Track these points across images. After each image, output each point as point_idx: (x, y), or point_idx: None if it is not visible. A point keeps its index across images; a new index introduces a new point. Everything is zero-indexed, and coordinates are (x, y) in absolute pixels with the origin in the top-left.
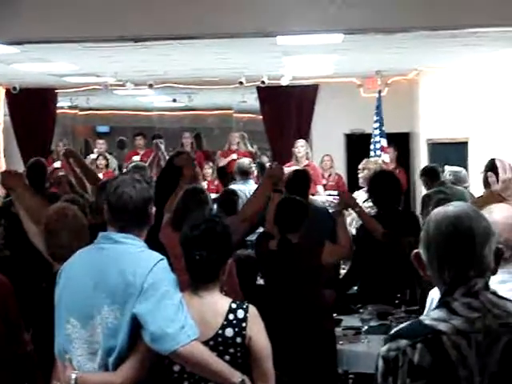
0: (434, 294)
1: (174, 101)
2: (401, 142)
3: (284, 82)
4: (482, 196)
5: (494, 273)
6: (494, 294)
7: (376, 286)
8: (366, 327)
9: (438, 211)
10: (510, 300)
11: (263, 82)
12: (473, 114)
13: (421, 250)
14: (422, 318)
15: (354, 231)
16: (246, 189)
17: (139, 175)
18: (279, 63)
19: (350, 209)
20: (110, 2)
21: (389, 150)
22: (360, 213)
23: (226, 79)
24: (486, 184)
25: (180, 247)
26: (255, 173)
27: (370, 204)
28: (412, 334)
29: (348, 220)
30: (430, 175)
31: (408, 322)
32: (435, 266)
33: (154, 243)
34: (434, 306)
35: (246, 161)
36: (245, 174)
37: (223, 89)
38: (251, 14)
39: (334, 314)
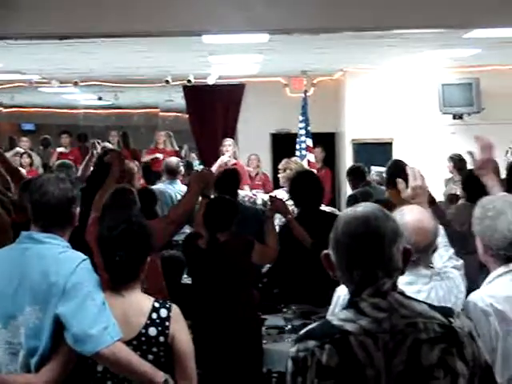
0: (341, 292)
1: (100, 99)
2: (326, 142)
3: (210, 81)
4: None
5: (402, 273)
6: (402, 294)
7: (299, 285)
8: (289, 326)
9: (347, 212)
10: (416, 300)
11: (189, 81)
12: (397, 114)
13: (330, 251)
14: (330, 318)
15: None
16: (172, 188)
17: (64, 174)
18: (205, 62)
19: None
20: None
21: (316, 150)
22: (290, 221)
23: (152, 78)
24: (389, 185)
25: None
26: (182, 172)
27: (291, 203)
28: (320, 335)
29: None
30: (356, 175)
31: (316, 323)
32: (344, 266)
33: (78, 243)
34: (340, 303)
35: (173, 160)
36: (172, 173)
37: (149, 87)
38: (176, 13)
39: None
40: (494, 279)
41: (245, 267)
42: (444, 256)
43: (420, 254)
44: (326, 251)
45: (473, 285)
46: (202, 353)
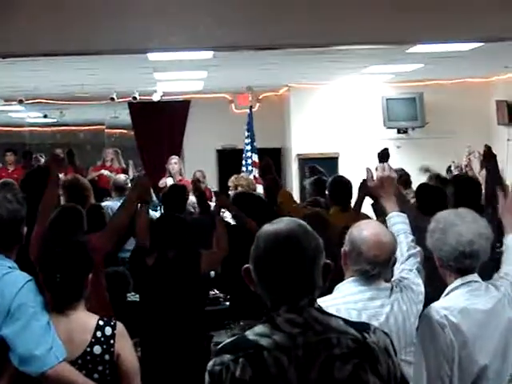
0: None
1: (45, 116)
2: (272, 157)
3: (155, 98)
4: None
5: (322, 288)
6: (319, 309)
7: (247, 301)
8: None
9: (268, 229)
10: (333, 316)
11: (135, 98)
12: (343, 129)
13: (250, 266)
14: (246, 333)
15: None
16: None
17: (11, 194)
18: (150, 79)
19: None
20: None
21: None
22: (236, 215)
23: (97, 95)
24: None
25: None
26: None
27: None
28: (235, 349)
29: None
30: (320, 187)
31: (233, 337)
32: (263, 281)
33: (24, 262)
34: None
35: (121, 177)
36: (120, 190)
37: (95, 104)
38: (121, 31)
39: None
40: (449, 292)
41: (193, 283)
42: (402, 243)
43: (380, 268)
44: (246, 265)
45: None
46: (149, 370)
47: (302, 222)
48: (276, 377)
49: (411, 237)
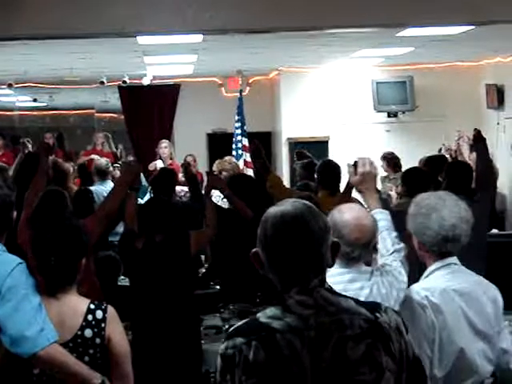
0: None
1: (35, 100)
2: (262, 141)
3: (145, 82)
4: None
5: (331, 266)
6: (329, 290)
7: (237, 285)
8: (226, 326)
9: (275, 211)
10: (343, 296)
11: (125, 82)
12: (333, 113)
13: (259, 250)
14: (258, 315)
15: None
16: (104, 189)
17: (1, 180)
18: (140, 63)
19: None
20: None
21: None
22: (229, 196)
23: (87, 79)
24: (320, 185)
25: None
26: (119, 173)
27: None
28: (247, 332)
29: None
30: (311, 170)
31: (245, 320)
32: (273, 264)
33: (14, 246)
34: None
35: (103, 161)
36: (102, 174)
37: (85, 88)
38: (110, 14)
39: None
40: (429, 274)
41: (182, 266)
42: (387, 239)
43: (360, 251)
44: (254, 250)
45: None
46: (140, 354)
47: (307, 202)
48: (289, 359)
49: (394, 233)
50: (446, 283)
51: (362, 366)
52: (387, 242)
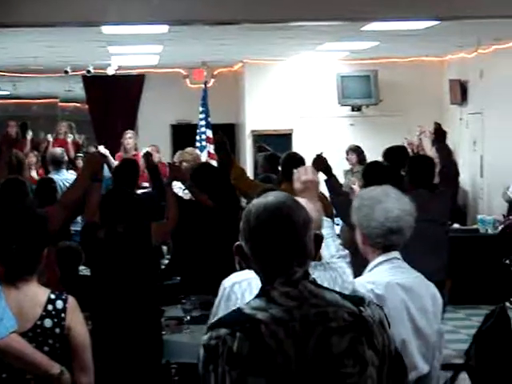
0: (226, 283)
1: None
2: (226, 133)
3: (110, 72)
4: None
5: (315, 258)
6: (313, 282)
7: (198, 276)
8: (188, 317)
9: (258, 202)
10: (328, 289)
11: (89, 72)
12: (297, 106)
13: (242, 242)
14: (241, 306)
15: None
16: (58, 178)
17: None
18: (105, 53)
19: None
20: None
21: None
22: (190, 187)
23: (51, 68)
24: (283, 177)
25: None
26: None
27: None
28: (232, 323)
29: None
30: (273, 163)
31: (229, 311)
32: (257, 256)
33: None
34: (225, 295)
35: (58, 150)
36: (57, 163)
37: (49, 77)
38: (76, 3)
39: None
40: (373, 268)
41: (144, 257)
42: (331, 246)
43: None
44: (237, 243)
45: None
46: (100, 344)
47: (288, 194)
48: (274, 350)
49: (338, 240)
50: (390, 277)
51: (346, 359)
52: (331, 249)
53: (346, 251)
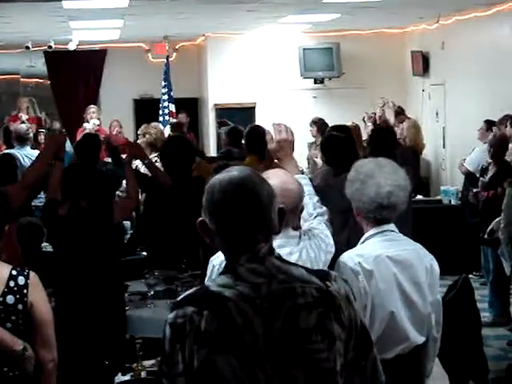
0: (215, 261)
1: None
2: (190, 107)
3: (71, 47)
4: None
5: (278, 233)
6: (279, 258)
7: (162, 251)
8: (152, 292)
9: (222, 177)
10: (294, 264)
11: (50, 47)
12: (260, 79)
13: (206, 218)
14: (208, 284)
15: None
16: (22, 153)
17: None
18: (66, 28)
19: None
20: None
21: (180, 116)
22: (149, 165)
23: (12, 43)
24: (247, 150)
25: None
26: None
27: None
28: (198, 301)
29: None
30: (235, 137)
31: (195, 289)
32: (222, 231)
33: None
34: (215, 272)
35: (23, 127)
36: (21, 139)
37: (9, 53)
38: None
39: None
40: (365, 240)
41: (107, 232)
42: (309, 204)
43: (288, 216)
44: (200, 218)
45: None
46: (64, 320)
47: (251, 169)
48: (242, 327)
49: (316, 197)
50: (381, 250)
51: (313, 335)
52: (309, 207)
53: (324, 208)
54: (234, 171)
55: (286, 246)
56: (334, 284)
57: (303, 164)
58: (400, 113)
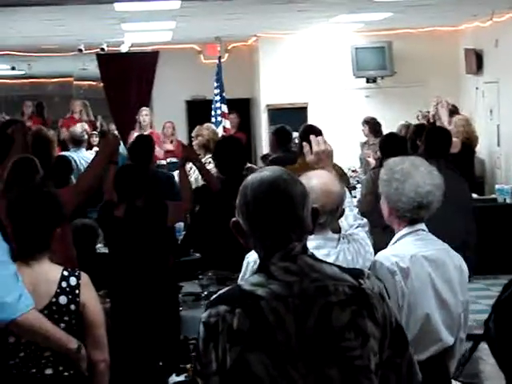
0: (251, 258)
1: (13, 69)
2: (241, 108)
3: (124, 49)
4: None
5: (312, 233)
6: (312, 256)
7: (215, 251)
8: (205, 293)
9: (254, 177)
10: (327, 263)
11: (103, 49)
12: (312, 79)
13: (239, 218)
14: (240, 283)
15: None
16: (77, 156)
17: None
18: (118, 30)
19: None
20: None
21: (231, 116)
22: (200, 167)
23: (65, 46)
24: (300, 150)
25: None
26: (97, 141)
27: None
28: (231, 300)
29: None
30: (281, 136)
31: (227, 288)
32: (256, 232)
33: None
34: (249, 269)
35: (78, 129)
36: (77, 142)
37: (63, 56)
38: None
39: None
40: (398, 240)
41: (162, 233)
42: (349, 216)
43: (327, 217)
44: (234, 219)
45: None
46: (119, 321)
47: (283, 168)
48: (274, 326)
49: (356, 209)
50: (416, 249)
51: (346, 333)
52: (349, 218)
53: (365, 220)
54: (266, 171)
55: (324, 247)
56: (367, 282)
57: (356, 163)
58: (454, 111)
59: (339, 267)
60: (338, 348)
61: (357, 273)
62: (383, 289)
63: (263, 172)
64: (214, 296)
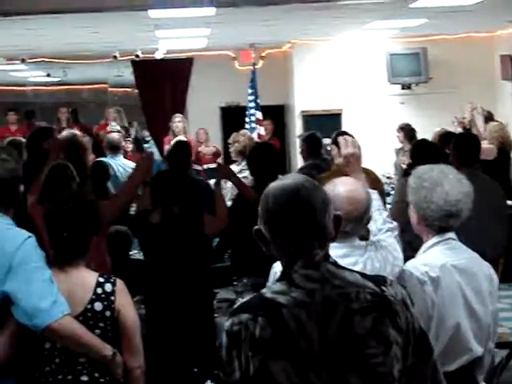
0: (277, 267)
1: (49, 75)
2: (276, 115)
3: (158, 56)
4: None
5: (334, 240)
6: (334, 264)
7: (250, 258)
8: (240, 299)
9: (275, 185)
10: (349, 270)
11: (137, 56)
12: (346, 85)
13: (261, 226)
14: (263, 291)
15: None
16: (115, 161)
17: (7, 154)
18: (152, 37)
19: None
20: None
21: (266, 123)
22: (237, 182)
23: (100, 53)
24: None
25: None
26: (130, 147)
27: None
28: (253, 308)
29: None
30: (311, 142)
31: (250, 296)
32: (278, 240)
33: (21, 221)
34: (275, 278)
35: (115, 135)
36: (114, 148)
37: (98, 63)
38: None
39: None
40: (428, 249)
41: (198, 239)
42: (378, 219)
43: (353, 225)
44: (256, 227)
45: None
46: (154, 328)
47: (305, 176)
48: (296, 334)
49: (386, 213)
50: (445, 259)
51: (369, 340)
52: (378, 222)
53: (395, 223)
54: (287, 179)
55: (351, 256)
56: (390, 289)
57: (390, 170)
58: (489, 117)
59: (362, 274)
60: (361, 355)
61: (379, 280)
62: (407, 296)
63: (284, 179)
64: (237, 304)
